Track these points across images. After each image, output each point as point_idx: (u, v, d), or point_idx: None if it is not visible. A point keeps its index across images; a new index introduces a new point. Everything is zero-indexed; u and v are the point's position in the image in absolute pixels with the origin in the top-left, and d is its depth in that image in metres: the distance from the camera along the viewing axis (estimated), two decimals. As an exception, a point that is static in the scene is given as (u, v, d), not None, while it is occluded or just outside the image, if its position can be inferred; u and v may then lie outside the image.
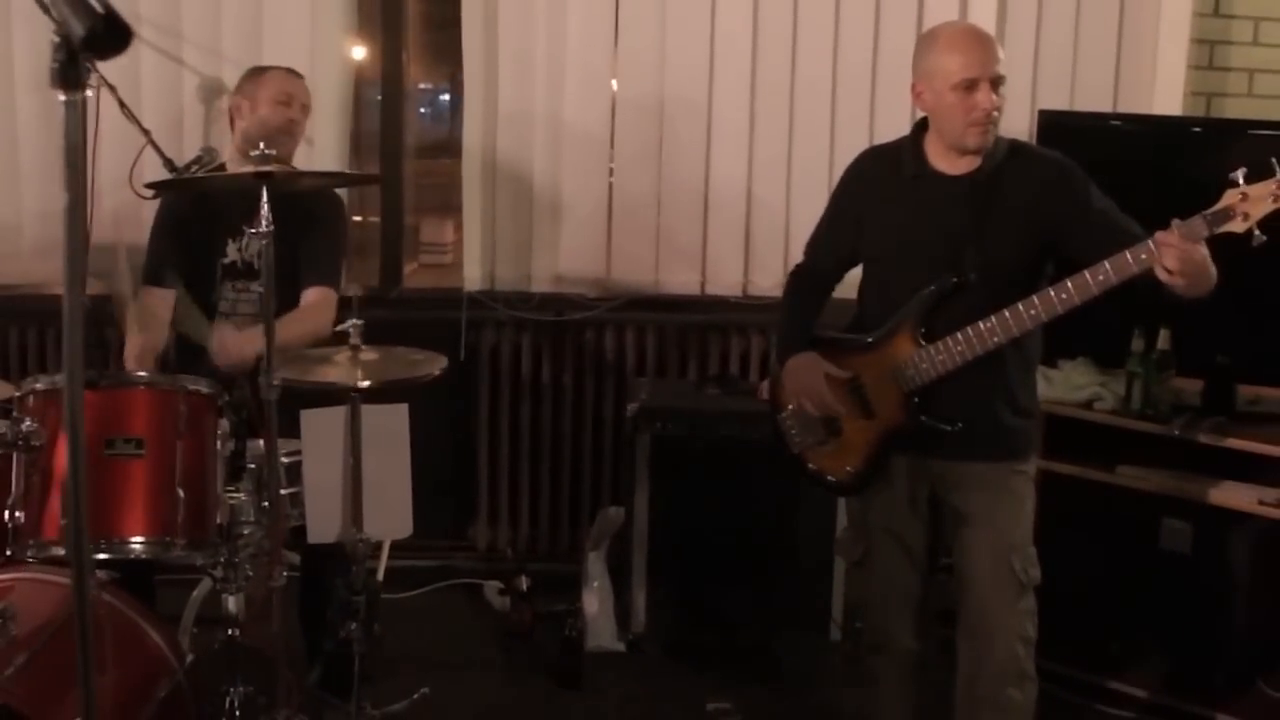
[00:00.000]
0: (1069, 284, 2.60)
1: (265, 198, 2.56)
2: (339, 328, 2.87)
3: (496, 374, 4.25)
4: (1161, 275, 2.50)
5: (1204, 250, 2.50)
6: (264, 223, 2.57)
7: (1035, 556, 2.86)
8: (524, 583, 3.98)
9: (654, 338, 4.21)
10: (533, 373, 4.26)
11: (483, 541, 4.36)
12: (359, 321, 2.89)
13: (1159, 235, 2.50)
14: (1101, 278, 2.56)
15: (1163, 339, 3.42)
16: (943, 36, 2.76)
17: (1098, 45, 3.99)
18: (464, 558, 4.35)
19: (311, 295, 3.31)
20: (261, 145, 2.59)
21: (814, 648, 3.80)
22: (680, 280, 4.16)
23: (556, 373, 4.25)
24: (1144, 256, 2.52)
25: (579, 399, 4.26)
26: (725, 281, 4.14)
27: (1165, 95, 3.94)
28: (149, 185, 2.67)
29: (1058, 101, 3.96)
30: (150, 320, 3.39)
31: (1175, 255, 2.47)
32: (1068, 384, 3.60)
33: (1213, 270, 2.54)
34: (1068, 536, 3.54)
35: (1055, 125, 3.68)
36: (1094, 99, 3.98)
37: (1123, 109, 3.98)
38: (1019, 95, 3.96)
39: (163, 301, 3.50)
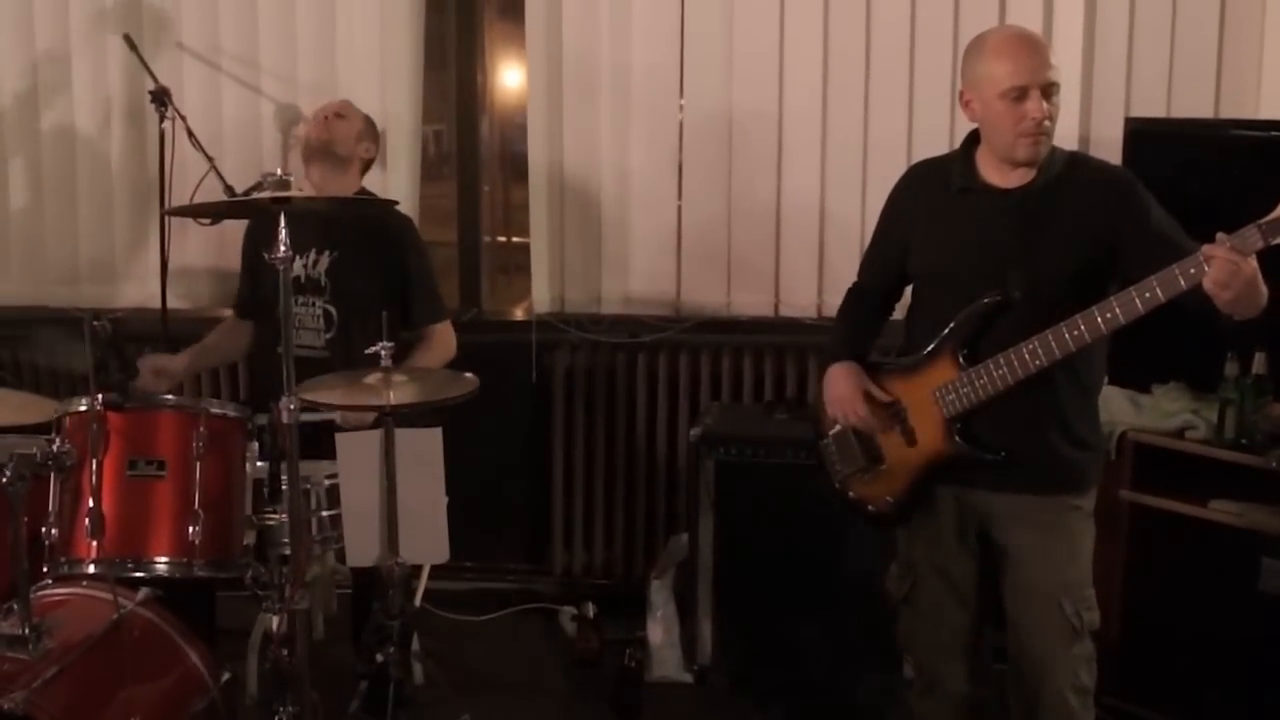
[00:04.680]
0: (1114, 302, 2.43)
1: (284, 222, 2.56)
2: (370, 350, 2.87)
3: (570, 396, 4.22)
4: (1209, 288, 2.30)
5: (1254, 265, 2.28)
6: (282, 247, 2.58)
7: (1093, 599, 2.67)
8: (591, 609, 3.93)
9: (729, 360, 4.10)
10: (606, 395, 4.21)
11: (559, 566, 4.32)
12: (390, 344, 2.89)
13: (1206, 248, 2.30)
14: (1148, 295, 2.38)
15: (1259, 362, 3.16)
16: (990, 42, 2.61)
17: (1196, 46, 3.71)
18: (546, 582, 4.33)
19: (436, 331, 3.50)
20: (273, 172, 2.62)
21: (885, 684, 3.62)
22: (752, 301, 4.06)
23: (629, 395, 4.19)
24: (1193, 271, 2.32)
25: (652, 422, 4.19)
26: (798, 303, 4.03)
27: (1273, 98, 3.64)
28: (169, 211, 2.72)
29: (1153, 109, 3.70)
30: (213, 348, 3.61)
31: (1222, 268, 2.26)
32: (1157, 411, 3.35)
33: (1263, 289, 2.33)
34: (1157, 575, 3.34)
35: (1146, 134, 3.44)
36: (1193, 105, 3.70)
37: (1225, 115, 3.69)
38: (1110, 102, 3.75)
39: (235, 331, 3.64)
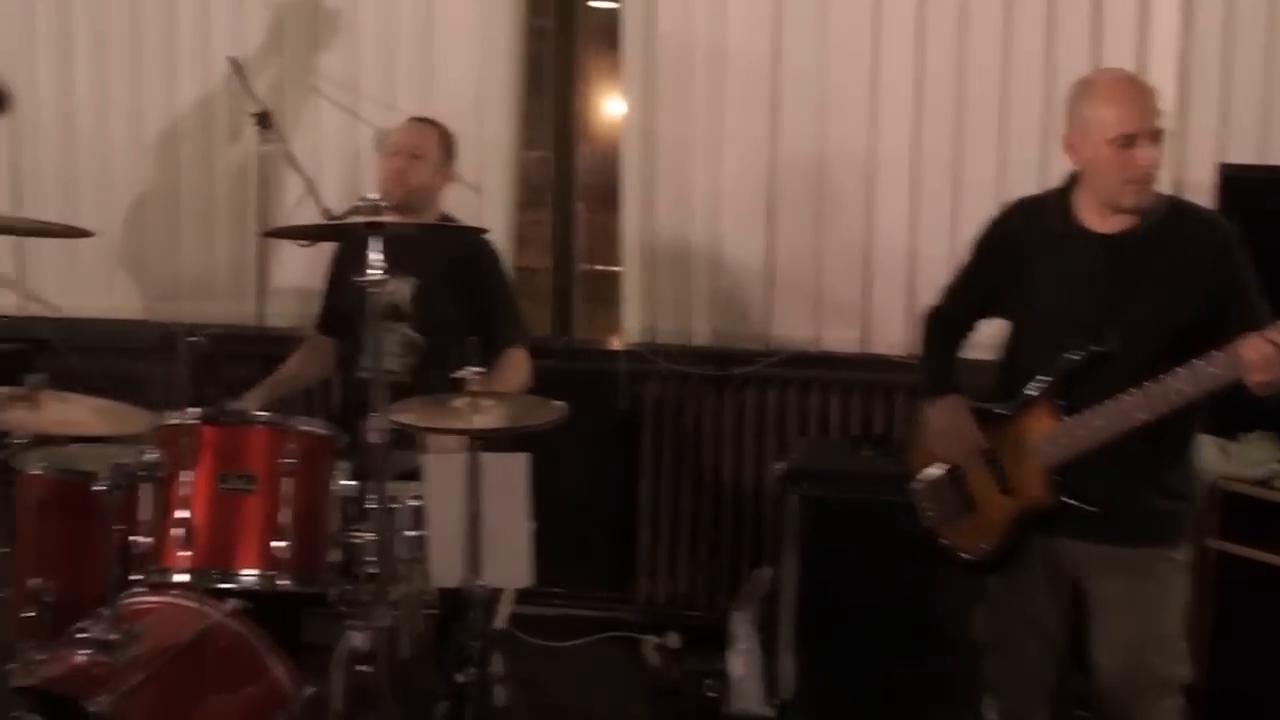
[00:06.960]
0: (1219, 356, 2.34)
1: (371, 245, 2.58)
2: (456, 374, 2.89)
3: (659, 427, 4.22)
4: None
5: None
6: (376, 272, 2.61)
7: (1185, 652, 2.60)
8: (674, 639, 3.92)
9: (817, 396, 4.09)
10: (694, 427, 4.20)
11: (643, 595, 4.31)
12: (480, 369, 2.91)
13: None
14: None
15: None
16: (1100, 86, 2.57)
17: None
18: (629, 610, 4.32)
19: (513, 355, 3.47)
20: (368, 196, 2.66)
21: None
22: (841, 337, 4.04)
23: (717, 428, 4.18)
24: None
25: (738, 455, 4.17)
26: (888, 340, 3.99)
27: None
28: (264, 232, 2.78)
29: (1245, 154, 3.61)
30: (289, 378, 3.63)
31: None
32: (1244, 459, 3.29)
33: None
34: (1246, 627, 3.25)
35: (1239, 180, 3.38)
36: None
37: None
38: (1202, 148, 3.67)
39: (319, 348, 3.68)
